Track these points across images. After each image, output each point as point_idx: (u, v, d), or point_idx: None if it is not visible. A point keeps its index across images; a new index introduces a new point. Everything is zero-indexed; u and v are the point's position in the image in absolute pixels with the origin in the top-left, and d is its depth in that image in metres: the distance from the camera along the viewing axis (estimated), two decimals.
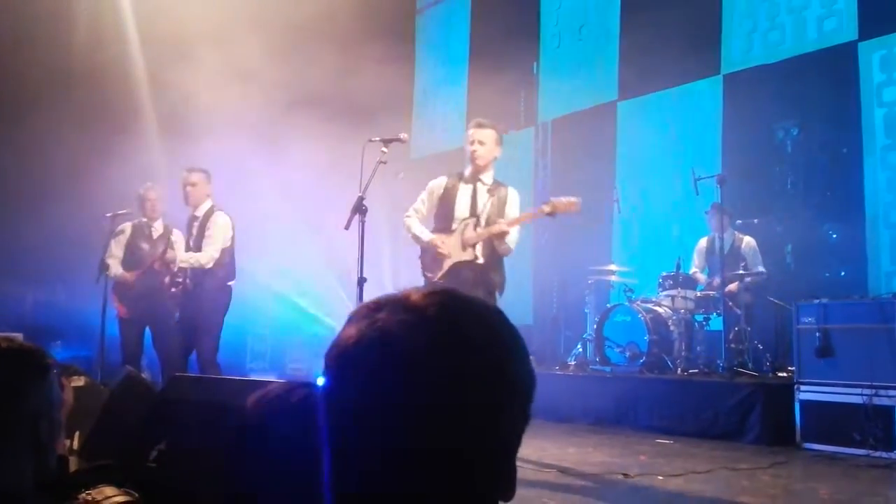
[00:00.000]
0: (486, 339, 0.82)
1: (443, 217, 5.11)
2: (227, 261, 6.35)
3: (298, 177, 8.72)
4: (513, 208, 5.08)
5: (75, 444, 3.55)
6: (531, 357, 0.89)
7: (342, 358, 0.83)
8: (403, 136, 4.80)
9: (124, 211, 6.91)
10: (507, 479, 0.85)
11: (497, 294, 5.03)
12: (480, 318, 0.84)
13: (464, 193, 5.08)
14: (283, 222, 8.93)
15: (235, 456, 1.30)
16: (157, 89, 9.52)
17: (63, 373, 1.81)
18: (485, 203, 5.02)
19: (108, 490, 1.84)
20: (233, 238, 6.42)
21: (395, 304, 0.83)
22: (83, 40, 9.30)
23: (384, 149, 4.65)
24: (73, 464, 3.04)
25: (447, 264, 4.99)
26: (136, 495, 1.83)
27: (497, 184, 5.12)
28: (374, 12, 10.17)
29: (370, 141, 4.70)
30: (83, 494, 1.83)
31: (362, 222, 4.48)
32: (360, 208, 4.47)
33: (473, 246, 5.00)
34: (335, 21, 9.51)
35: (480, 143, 5.01)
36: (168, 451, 2.58)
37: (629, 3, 9.44)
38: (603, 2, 9.81)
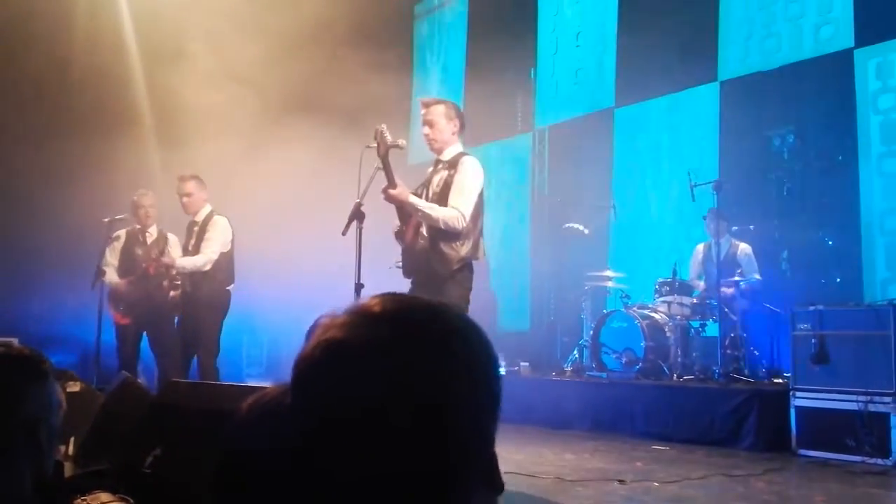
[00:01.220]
0: (431, 335, 0.80)
1: None
2: (225, 265, 6.36)
3: (295, 183, 8.72)
4: (459, 179, 4.49)
5: (70, 450, 3.55)
6: (500, 362, 0.88)
7: (299, 370, 0.83)
8: (402, 142, 4.74)
9: (121, 216, 6.91)
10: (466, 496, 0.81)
11: (442, 272, 4.42)
12: (428, 313, 0.82)
13: (428, 176, 4.75)
14: (280, 228, 8.93)
15: (230, 458, 1.30)
16: (153, 93, 9.53)
17: (57, 378, 1.81)
18: (432, 178, 4.63)
19: (104, 496, 1.84)
20: (232, 242, 6.44)
21: (345, 311, 0.83)
22: (80, 44, 9.30)
23: (380, 166, 4.62)
24: (69, 469, 3.04)
25: (407, 252, 4.69)
26: (132, 501, 1.83)
27: (455, 157, 4.60)
28: (371, 19, 10.19)
29: (368, 147, 4.67)
30: (78, 500, 1.83)
31: (360, 229, 4.46)
32: (357, 214, 4.46)
33: (415, 227, 4.55)
34: (332, 27, 9.52)
35: (430, 124, 4.63)
36: (163, 456, 2.58)
37: (626, 9, 9.46)
38: (600, 8, 9.84)
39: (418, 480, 0.77)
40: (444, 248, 4.44)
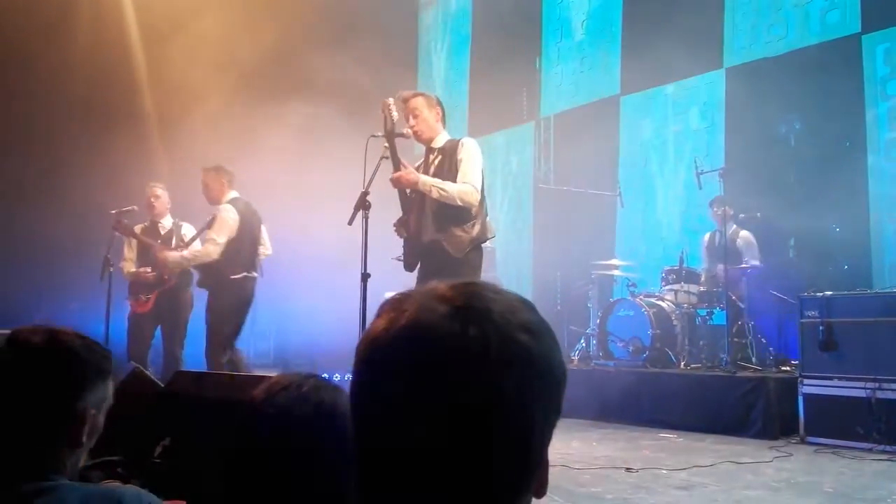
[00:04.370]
0: (519, 326, 0.81)
1: None
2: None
3: (300, 172, 8.71)
4: (465, 157, 4.51)
5: None
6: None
7: (372, 349, 0.82)
8: (406, 131, 4.76)
9: (129, 207, 6.93)
10: (540, 474, 0.83)
11: (456, 255, 4.45)
12: (510, 305, 0.82)
13: (422, 165, 4.78)
14: (286, 218, 8.92)
15: (247, 444, 1.30)
16: (157, 83, 9.53)
17: None
18: (430, 164, 4.64)
19: (114, 485, 1.85)
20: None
21: (423, 295, 0.82)
22: (84, 36, 9.29)
23: (387, 144, 4.65)
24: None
25: (410, 244, 4.73)
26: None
27: (449, 141, 4.66)
28: (376, 8, 10.16)
29: (373, 136, 4.68)
30: None
31: (366, 218, 4.47)
32: (363, 204, 4.46)
33: (418, 216, 4.61)
34: (338, 18, 9.51)
35: (414, 115, 4.64)
36: (173, 446, 2.59)
37: None
38: None
39: (468, 472, 0.77)
40: (457, 231, 4.49)
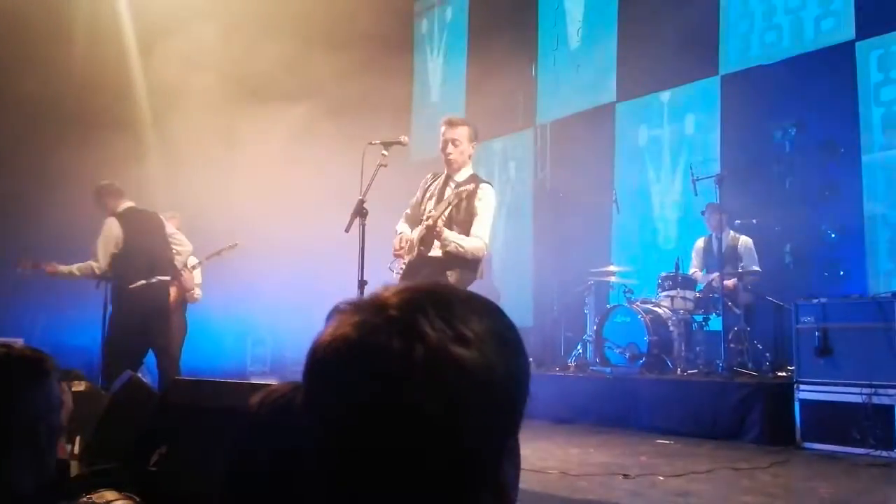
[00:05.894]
0: (456, 338, 0.75)
1: (416, 212, 5.00)
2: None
3: (298, 180, 8.72)
4: (482, 209, 4.75)
5: (76, 449, 3.56)
6: (528, 355, 0.83)
7: (313, 359, 0.79)
8: (404, 138, 4.79)
9: None
10: (496, 490, 0.78)
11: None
12: (455, 314, 0.77)
13: (436, 189, 4.93)
14: (284, 226, 8.93)
15: (243, 454, 1.30)
16: (153, 93, 9.53)
17: (63, 378, 1.83)
18: (449, 199, 4.76)
19: (110, 494, 1.85)
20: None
21: (366, 303, 0.79)
22: (80, 47, 9.30)
23: (384, 152, 4.66)
24: (75, 468, 3.05)
25: (405, 260, 4.88)
26: (138, 499, 1.83)
27: (470, 179, 4.85)
28: (372, 16, 10.18)
29: (370, 144, 4.71)
30: (84, 499, 1.84)
31: (363, 225, 4.50)
32: (360, 211, 4.49)
33: (425, 242, 4.78)
34: (334, 25, 9.52)
35: (454, 143, 4.80)
36: (169, 455, 2.59)
37: (627, 4, 9.45)
38: (601, 3, 9.82)
39: (423, 484, 0.74)
40: (453, 274, 4.69)
